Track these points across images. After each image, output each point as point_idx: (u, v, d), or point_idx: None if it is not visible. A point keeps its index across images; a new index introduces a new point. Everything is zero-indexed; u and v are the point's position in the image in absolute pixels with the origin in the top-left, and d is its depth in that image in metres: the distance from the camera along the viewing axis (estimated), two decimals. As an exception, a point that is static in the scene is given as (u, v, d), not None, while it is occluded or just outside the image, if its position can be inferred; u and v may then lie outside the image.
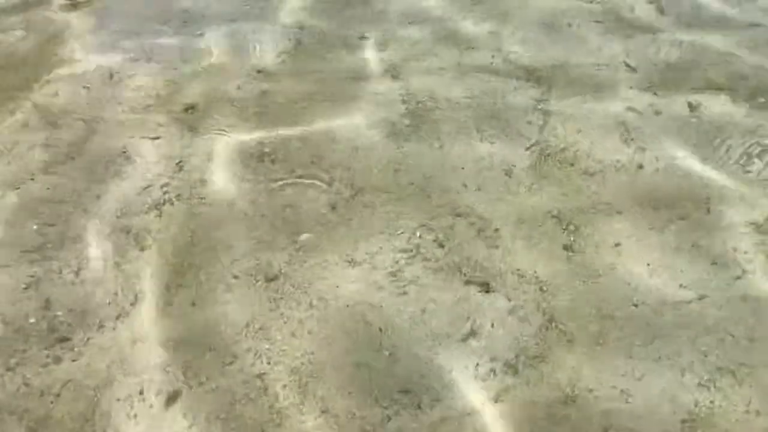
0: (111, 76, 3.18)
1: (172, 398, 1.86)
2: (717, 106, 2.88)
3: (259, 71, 3.20)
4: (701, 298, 2.09)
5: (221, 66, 3.26)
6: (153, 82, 3.13)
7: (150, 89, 3.08)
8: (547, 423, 1.78)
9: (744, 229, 2.31)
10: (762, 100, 2.90)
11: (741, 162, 2.59)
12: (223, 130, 2.81)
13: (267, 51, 3.36)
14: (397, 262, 2.20)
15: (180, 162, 2.63)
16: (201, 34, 3.52)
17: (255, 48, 3.39)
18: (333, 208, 2.41)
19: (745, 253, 2.23)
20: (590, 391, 1.85)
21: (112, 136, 2.79)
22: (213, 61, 3.31)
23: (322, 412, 1.82)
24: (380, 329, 2.01)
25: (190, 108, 2.95)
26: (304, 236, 2.31)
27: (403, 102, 2.94)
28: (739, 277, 2.15)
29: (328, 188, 2.50)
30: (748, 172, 2.55)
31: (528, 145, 2.68)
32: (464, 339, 1.99)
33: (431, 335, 2.00)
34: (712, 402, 1.82)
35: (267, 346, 1.98)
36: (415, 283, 2.14)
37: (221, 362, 1.94)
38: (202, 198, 2.46)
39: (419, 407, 1.83)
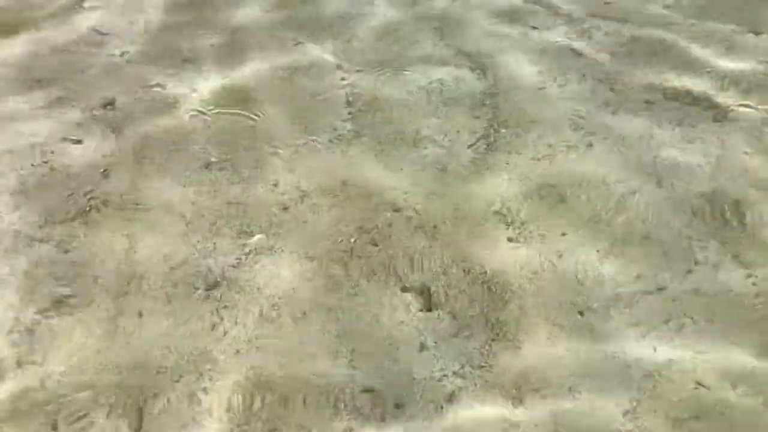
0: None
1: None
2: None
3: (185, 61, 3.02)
4: (660, 289, 2.02)
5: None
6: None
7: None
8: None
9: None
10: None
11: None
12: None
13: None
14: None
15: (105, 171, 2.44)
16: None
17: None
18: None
19: (699, 240, 2.18)
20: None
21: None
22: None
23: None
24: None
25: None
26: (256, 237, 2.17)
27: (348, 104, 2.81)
28: (690, 271, 2.08)
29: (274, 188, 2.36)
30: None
31: (472, 142, 2.59)
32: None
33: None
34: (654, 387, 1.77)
35: (208, 366, 1.83)
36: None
37: (170, 379, 1.79)
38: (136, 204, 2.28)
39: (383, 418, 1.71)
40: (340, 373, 1.80)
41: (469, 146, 2.53)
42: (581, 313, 1.95)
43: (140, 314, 1.95)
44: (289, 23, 3.31)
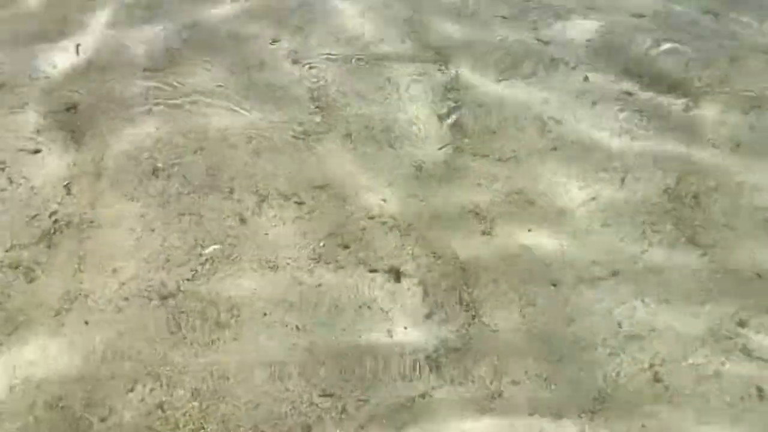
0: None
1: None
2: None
3: (145, 69, 3.03)
4: (613, 274, 2.11)
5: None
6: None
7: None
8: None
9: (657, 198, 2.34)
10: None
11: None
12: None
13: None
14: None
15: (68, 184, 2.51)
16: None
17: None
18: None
19: (653, 224, 2.26)
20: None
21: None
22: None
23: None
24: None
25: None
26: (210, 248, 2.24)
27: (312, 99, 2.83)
28: (645, 251, 2.18)
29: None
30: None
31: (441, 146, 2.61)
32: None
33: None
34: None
35: (168, 368, 1.93)
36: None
37: (123, 390, 1.88)
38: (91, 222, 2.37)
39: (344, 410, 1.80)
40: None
41: (440, 148, 2.57)
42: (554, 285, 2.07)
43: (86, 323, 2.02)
44: (246, 15, 3.30)
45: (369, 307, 2.05)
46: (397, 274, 2.12)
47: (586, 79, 2.84)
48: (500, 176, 2.45)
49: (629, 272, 2.13)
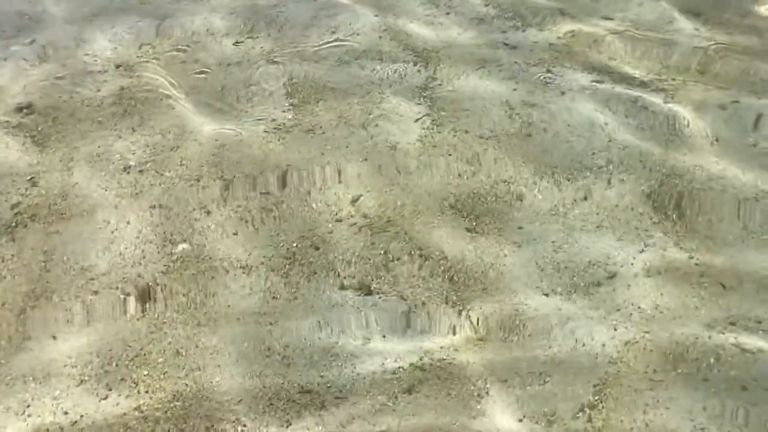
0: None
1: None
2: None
3: (118, 66, 2.95)
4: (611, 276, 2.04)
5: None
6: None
7: None
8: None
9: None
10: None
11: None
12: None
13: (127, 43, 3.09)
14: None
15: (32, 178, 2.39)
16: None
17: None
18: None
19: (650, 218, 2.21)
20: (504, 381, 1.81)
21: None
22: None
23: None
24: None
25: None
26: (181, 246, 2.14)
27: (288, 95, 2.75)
28: (642, 251, 2.11)
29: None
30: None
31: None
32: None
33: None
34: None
35: (145, 372, 1.84)
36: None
37: (94, 396, 1.78)
38: (61, 213, 2.25)
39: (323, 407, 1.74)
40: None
41: (417, 140, 2.50)
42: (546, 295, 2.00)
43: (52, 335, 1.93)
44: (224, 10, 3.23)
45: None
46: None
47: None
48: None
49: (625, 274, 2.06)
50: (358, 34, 3.03)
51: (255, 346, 1.88)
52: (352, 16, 3.14)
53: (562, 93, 2.64)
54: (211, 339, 1.90)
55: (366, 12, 3.16)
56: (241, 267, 2.07)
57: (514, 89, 2.67)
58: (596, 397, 1.75)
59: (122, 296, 1.99)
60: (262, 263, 2.08)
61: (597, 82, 2.70)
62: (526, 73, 2.76)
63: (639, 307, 1.94)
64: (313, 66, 2.86)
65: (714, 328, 1.87)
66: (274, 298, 1.99)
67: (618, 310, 1.94)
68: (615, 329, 1.89)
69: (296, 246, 2.12)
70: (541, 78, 2.73)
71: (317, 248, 2.11)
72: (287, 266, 2.07)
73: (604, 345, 1.85)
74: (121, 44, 3.03)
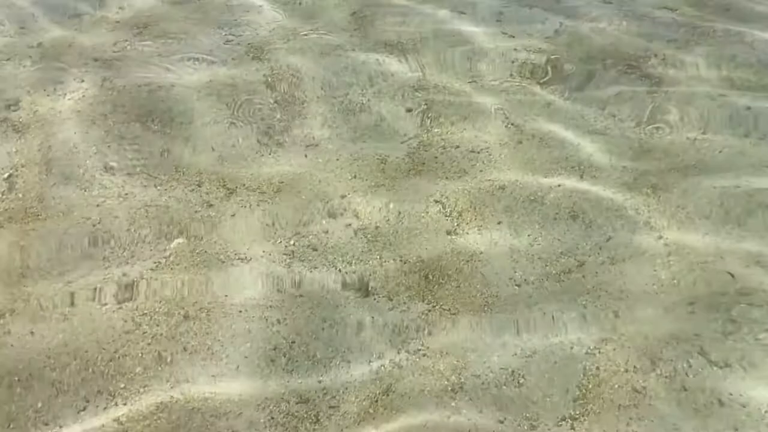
0: None
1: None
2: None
3: (96, 59, 2.85)
4: (580, 264, 2.06)
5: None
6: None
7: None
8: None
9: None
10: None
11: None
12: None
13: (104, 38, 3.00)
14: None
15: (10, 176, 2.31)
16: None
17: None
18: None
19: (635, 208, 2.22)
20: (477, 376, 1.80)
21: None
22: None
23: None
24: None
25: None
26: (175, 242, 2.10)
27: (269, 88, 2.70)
28: (610, 238, 2.13)
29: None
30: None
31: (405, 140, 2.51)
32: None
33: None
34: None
35: (122, 384, 1.78)
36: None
37: (74, 407, 1.72)
38: (37, 215, 2.17)
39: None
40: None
41: (402, 142, 2.48)
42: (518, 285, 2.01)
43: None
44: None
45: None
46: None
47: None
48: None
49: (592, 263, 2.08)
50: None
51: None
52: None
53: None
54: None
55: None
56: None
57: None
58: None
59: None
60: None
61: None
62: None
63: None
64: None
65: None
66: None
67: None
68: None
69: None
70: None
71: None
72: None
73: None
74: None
